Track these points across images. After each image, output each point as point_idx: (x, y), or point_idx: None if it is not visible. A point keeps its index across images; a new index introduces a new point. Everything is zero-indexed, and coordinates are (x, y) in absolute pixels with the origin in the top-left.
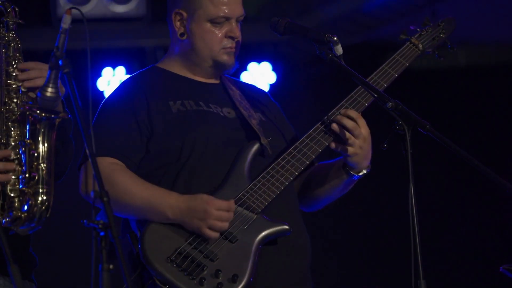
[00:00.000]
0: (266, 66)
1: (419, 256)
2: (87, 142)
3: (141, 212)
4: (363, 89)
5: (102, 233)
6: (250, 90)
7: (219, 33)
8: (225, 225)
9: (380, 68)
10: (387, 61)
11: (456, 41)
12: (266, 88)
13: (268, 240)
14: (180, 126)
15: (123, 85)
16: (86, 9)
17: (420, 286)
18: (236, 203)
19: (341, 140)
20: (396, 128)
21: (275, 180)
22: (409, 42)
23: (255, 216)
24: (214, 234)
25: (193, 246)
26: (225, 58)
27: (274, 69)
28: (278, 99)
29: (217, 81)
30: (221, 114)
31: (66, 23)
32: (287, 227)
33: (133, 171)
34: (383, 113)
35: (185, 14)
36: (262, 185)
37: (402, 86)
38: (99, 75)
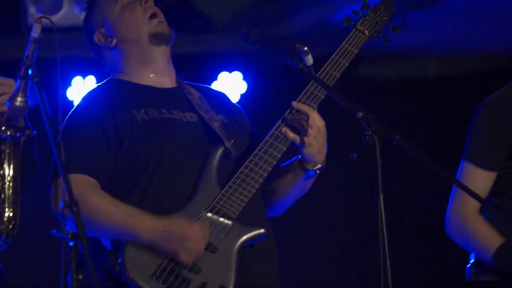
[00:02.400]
0: (237, 75)
1: (388, 267)
2: (57, 152)
3: (115, 234)
4: (316, 83)
5: (71, 243)
6: (209, 92)
7: (134, 9)
8: (202, 250)
9: (330, 58)
10: (337, 51)
11: (426, 53)
12: (237, 98)
13: (245, 246)
14: (146, 135)
15: (87, 98)
16: (56, 18)
17: None
18: (210, 211)
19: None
20: (366, 138)
21: (246, 184)
22: (355, 29)
23: (231, 223)
24: (190, 260)
25: (175, 261)
26: (156, 26)
27: (245, 79)
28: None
29: (174, 85)
30: (184, 119)
31: (36, 32)
32: (263, 231)
33: (105, 183)
34: (352, 123)
35: (102, 29)
36: (233, 191)
37: (371, 96)
38: (69, 84)
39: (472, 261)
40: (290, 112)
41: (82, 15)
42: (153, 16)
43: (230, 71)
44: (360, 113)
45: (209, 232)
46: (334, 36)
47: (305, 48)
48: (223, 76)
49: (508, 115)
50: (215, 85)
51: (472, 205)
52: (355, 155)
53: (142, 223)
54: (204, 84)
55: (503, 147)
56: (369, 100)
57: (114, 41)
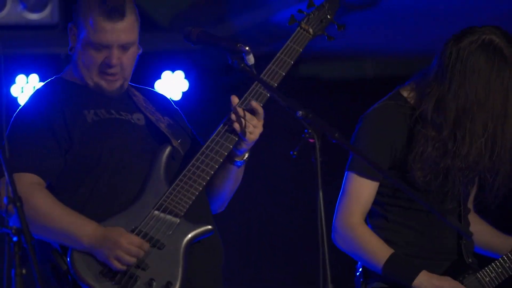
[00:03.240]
0: (179, 74)
1: (327, 261)
2: (1, 151)
3: (57, 236)
4: (260, 82)
5: (15, 238)
6: (152, 95)
7: (97, 58)
8: (133, 260)
9: (276, 57)
10: (282, 49)
11: (364, 54)
12: (179, 96)
13: (194, 242)
14: (97, 135)
15: (36, 96)
16: (0, 16)
17: None
18: (158, 209)
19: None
20: (306, 136)
21: (193, 182)
22: (299, 28)
23: (178, 220)
24: (120, 266)
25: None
26: (102, 83)
27: (187, 77)
28: (190, 107)
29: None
30: (132, 121)
31: None
32: (210, 227)
33: (53, 181)
34: (292, 120)
35: (75, 30)
36: (180, 189)
37: (311, 95)
38: (13, 82)
39: (360, 270)
40: (240, 105)
41: (25, 14)
42: (107, 74)
43: (172, 70)
44: (300, 112)
45: (147, 247)
46: (275, 37)
47: (247, 48)
48: (166, 75)
49: (387, 127)
50: (158, 84)
51: (359, 214)
52: (295, 153)
53: (83, 229)
54: (146, 87)
55: (385, 157)
56: (310, 99)
57: (73, 51)
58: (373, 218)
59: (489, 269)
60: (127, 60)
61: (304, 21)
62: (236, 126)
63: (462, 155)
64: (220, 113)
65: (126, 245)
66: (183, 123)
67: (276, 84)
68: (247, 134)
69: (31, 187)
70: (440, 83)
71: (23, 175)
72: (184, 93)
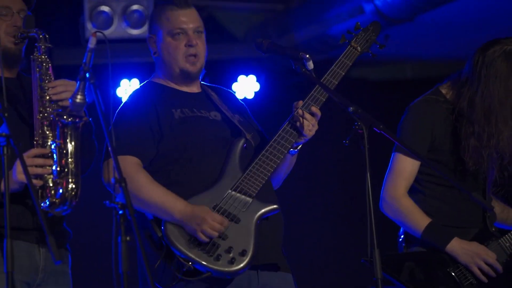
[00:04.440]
0: (252, 78)
1: (374, 230)
2: (109, 139)
3: (153, 209)
4: (320, 87)
5: (120, 212)
6: (224, 94)
7: (179, 44)
8: (215, 234)
9: (330, 69)
10: (335, 63)
11: (404, 59)
12: (251, 95)
13: (263, 218)
14: (183, 129)
15: (135, 96)
16: (108, 32)
17: (375, 254)
18: (234, 190)
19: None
20: (356, 128)
21: (263, 169)
22: (349, 46)
23: (251, 200)
24: (205, 238)
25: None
26: (188, 66)
27: (258, 80)
28: (261, 104)
29: (199, 90)
30: (210, 117)
31: (92, 43)
32: (276, 206)
33: (147, 166)
34: (343, 115)
35: (154, 37)
36: (253, 174)
37: (361, 94)
38: (118, 85)
39: (402, 236)
40: (302, 107)
41: (128, 30)
42: (190, 56)
43: (246, 75)
44: (351, 108)
45: (227, 224)
46: (330, 47)
47: (307, 56)
48: (241, 78)
49: (429, 116)
50: (235, 86)
51: (403, 187)
52: (347, 141)
53: (175, 205)
54: (218, 85)
55: (426, 142)
56: (359, 97)
57: (157, 54)
58: (413, 193)
59: (509, 236)
60: (202, 45)
61: (353, 40)
62: (298, 124)
63: (493, 145)
64: (285, 109)
65: (211, 221)
66: (250, 118)
67: (332, 88)
68: (306, 131)
69: (134, 167)
70: (470, 85)
71: (127, 157)
72: (256, 93)
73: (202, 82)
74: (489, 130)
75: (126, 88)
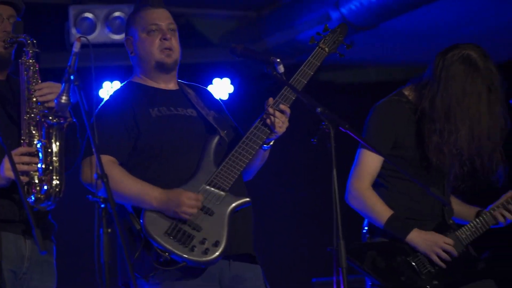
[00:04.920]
0: (226, 80)
1: (339, 222)
2: (92, 137)
3: (132, 200)
4: (289, 87)
5: (102, 205)
6: (201, 91)
7: (154, 39)
8: (195, 210)
9: (300, 69)
10: (304, 63)
11: (368, 63)
12: (226, 97)
13: (235, 211)
14: (160, 127)
15: (113, 96)
16: (92, 37)
17: (340, 246)
18: (209, 184)
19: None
20: (323, 127)
21: (236, 164)
22: (318, 47)
23: (224, 194)
24: (187, 216)
25: (182, 221)
26: (163, 57)
27: (232, 83)
28: (235, 106)
29: (176, 87)
30: (187, 114)
31: (76, 48)
32: (248, 199)
33: (124, 163)
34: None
35: (131, 38)
36: (226, 169)
37: (328, 96)
38: (101, 87)
39: (366, 227)
40: (272, 105)
41: (111, 35)
42: (165, 49)
43: (221, 77)
44: (319, 108)
45: (202, 198)
46: (299, 51)
47: (278, 60)
48: (216, 81)
49: (392, 116)
50: (210, 88)
51: (367, 181)
52: (315, 140)
53: (151, 194)
54: (195, 83)
55: (388, 140)
56: (326, 99)
57: (134, 53)
58: (376, 187)
59: (465, 229)
60: (175, 41)
61: (322, 41)
62: (269, 122)
63: (452, 143)
64: (257, 110)
65: (187, 201)
66: (225, 115)
67: (300, 89)
68: (277, 128)
69: (109, 164)
70: (431, 86)
71: (102, 156)
72: (230, 95)
73: (179, 80)
74: (449, 127)
75: (108, 89)
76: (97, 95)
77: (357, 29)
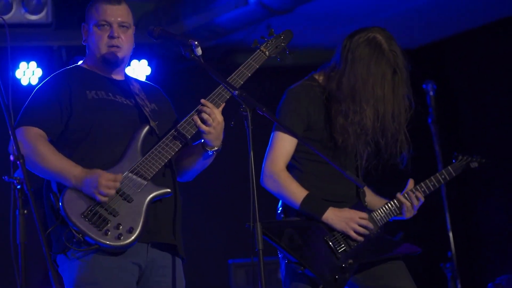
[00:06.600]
0: (144, 62)
1: (256, 204)
2: (8, 117)
3: (53, 176)
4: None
5: (18, 186)
6: (147, 86)
7: (103, 34)
8: (112, 191)
9: (238, 69)
10: (243, 64)
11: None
12: (143, 79)
13: (155, 200)
14: (93, 109)
15: (53, 76)
16: (7, 17)
17: (257, 228)
18: (131, 172)
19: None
20: (241, 110)
21: (161, 155)
22: (259, 50)
23: (146, 182)
24: (103, 198)
25: (100, 205)
26: (108, 54)
27: (149, 65)
28: None
29: (122, 78)
30: (124, 102)
31: None
32: (169, 190)
33: (53, 140)
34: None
35: (86, 26)
36: (151, 159)
37: (246, 80)
38: (17, 67)
39: (280, 208)
40: (201, 106)
41: (27, 16)
42: (112, 46)
43: (139, 59)
44: (237, 92)
45: (120, 178)
46: (216, 34)
47: (196, 42)
48: (134, 63)
49: (304, 99)
50: (128, 70)
51: (282, 163)
52: (232, 123)
53: (72, 171)
54: (147, 81)
55: (303, 122)
56: (244, 83)
57: (85, 41)
58: (291, 170)
59: (380, 211)
60: (125, 38)
61: (264, 45)
62: (196, 119)
63: (357, 122)
64: (174, 92)
65: (105, 182)
66: (169, 111)
67: (237, 87)
68: (206, 126)
69: (37, 137)
70: (338, 68)
71: (32, 128)
72: (147, 77)
73: (129, 75)
74: (354, 107)
75: (24, 69)
76: (13, 75)
77: (273, 12)
